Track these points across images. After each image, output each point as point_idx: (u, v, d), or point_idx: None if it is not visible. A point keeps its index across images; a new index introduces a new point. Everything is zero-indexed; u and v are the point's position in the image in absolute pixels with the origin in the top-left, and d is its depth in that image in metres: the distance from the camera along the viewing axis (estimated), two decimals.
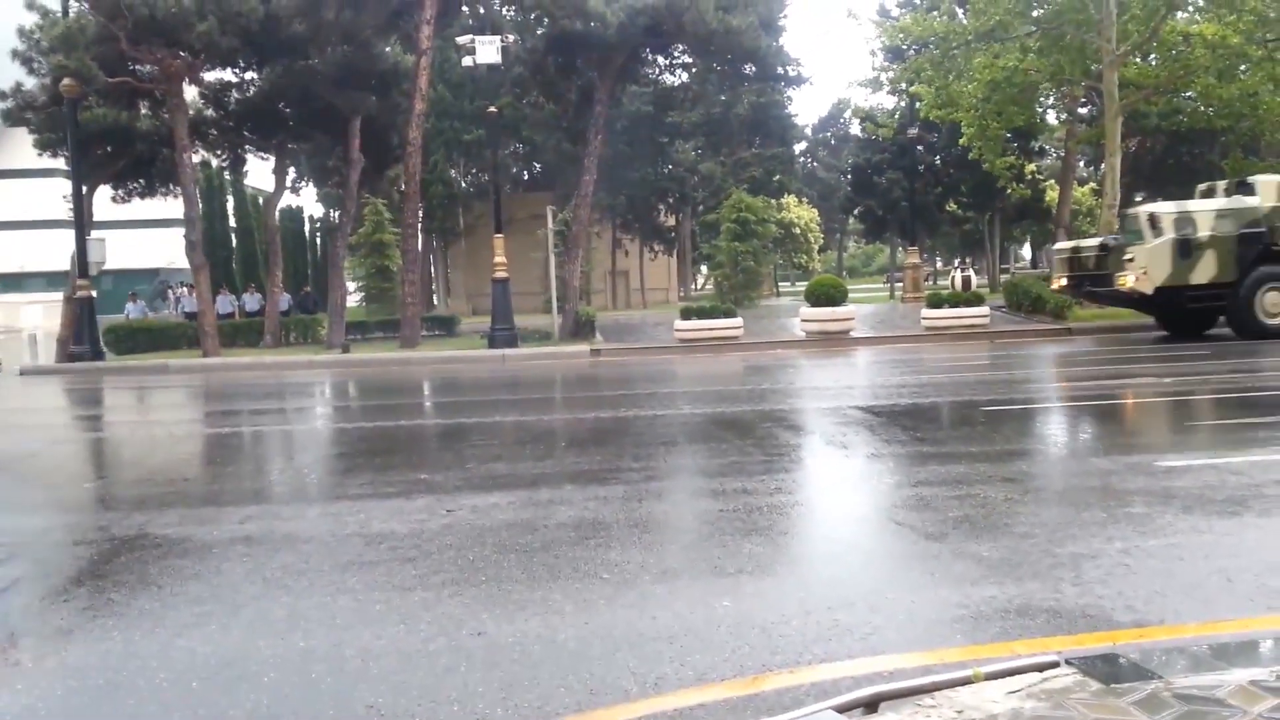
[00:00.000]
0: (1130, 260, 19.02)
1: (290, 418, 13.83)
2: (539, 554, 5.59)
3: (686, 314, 23.69)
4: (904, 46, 31.63)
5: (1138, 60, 28.12)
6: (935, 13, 28.62)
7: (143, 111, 27.87)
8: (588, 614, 4.58)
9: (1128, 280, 18.98)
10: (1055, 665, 3.66)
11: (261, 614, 4.76)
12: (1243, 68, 25.80)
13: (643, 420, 11.20)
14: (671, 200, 50.98)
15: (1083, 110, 38.45)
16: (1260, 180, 19.14)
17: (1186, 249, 18.65)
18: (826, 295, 23.94)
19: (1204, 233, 18.74)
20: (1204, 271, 18.71)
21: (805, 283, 38.03)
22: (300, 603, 4.91)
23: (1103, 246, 20.47)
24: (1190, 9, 26.64)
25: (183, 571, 5.55)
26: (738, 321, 23.40)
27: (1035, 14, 26.35)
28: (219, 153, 31.10)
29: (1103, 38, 24.80)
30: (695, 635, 4.26)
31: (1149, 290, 18.87)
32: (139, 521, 6.81)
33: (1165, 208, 19.69)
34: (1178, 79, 26.79)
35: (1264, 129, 27.11)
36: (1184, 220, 18.94)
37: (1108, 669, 3.60)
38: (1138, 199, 38.90)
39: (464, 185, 48.84)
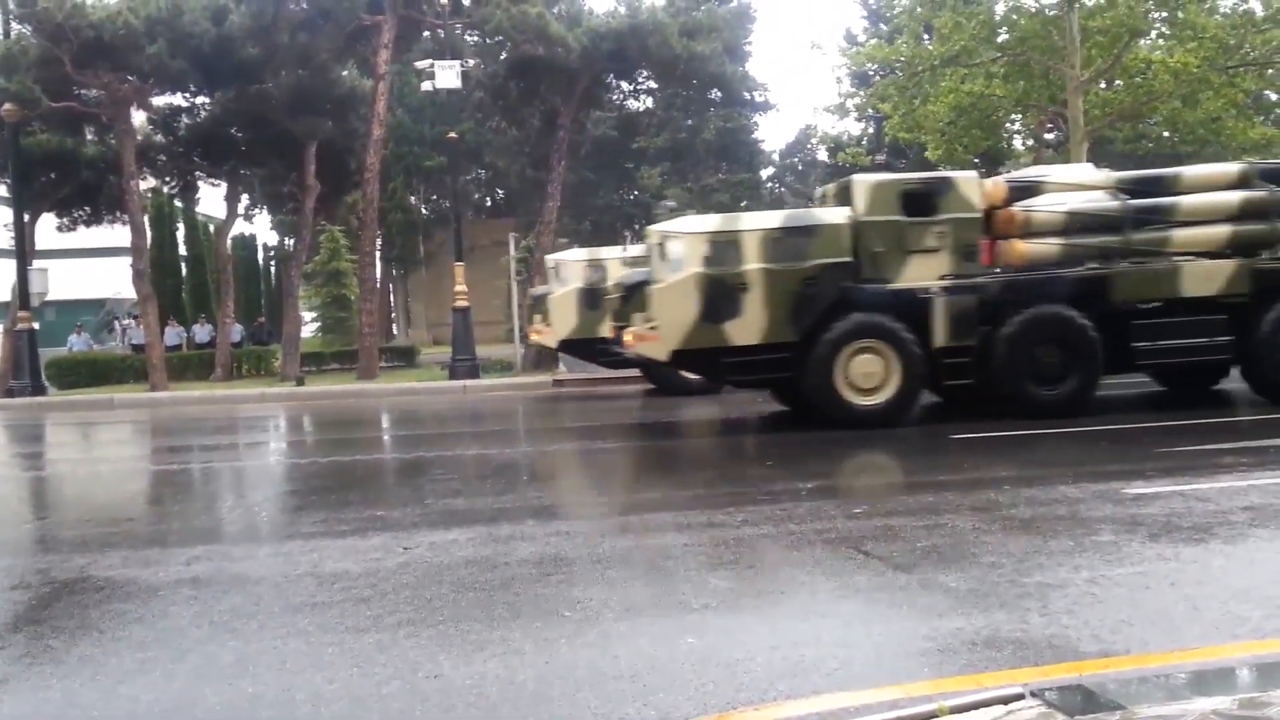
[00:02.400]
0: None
1: (241, 453, 13.58)
2: (499, 592, 5.48)
3: None
4: (870, 72, 32.02)
5: (1102, 86, 28.63)
6: (900, 36, 29.01)
7: (88, 137, 27.36)
8: (548, 653, 4.49)
9: (631, 339, 12.58)
10: (1021, 698, 3.66)
11: (209, 659, 4.61)
12: (1205, 94, 26.34)
13: (605, 452, 11.11)
14: (638, 226, 51.16)
15: (1049, 136, 39.08)
16: (857, 182, 12.44)
17: (719, 291, 11.56)
18: None
19: (748, 265, 11.63)
20: (748, 325, 11.61)
21: None
22: (249, 646, 4.76)
23: (625, 287, 14.23)
24: (1153, 35, 27.18)
25: (126, 615, 5.37)
26: None
27: (1000, 39, 26.75)
28: (168, 179, 30.59)
29: (1067, 64, 25.22)
30: (659, 673, 4.18)
31: (663, 355, 12.05)
32: (80, 564, 6.59)
33: (690, 225, 12.56)
34: (1142, 105, 27.29)
35: (1228, 154, 27.63)
36: (720, 246, 11.72)
37: (1073, 701, 3.62)
38: None
39: (424, 212, 48.64)
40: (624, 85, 33.18)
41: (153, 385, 23.54)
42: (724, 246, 11.66)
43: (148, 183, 29.06)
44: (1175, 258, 12.20)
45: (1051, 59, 25.86)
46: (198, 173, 29.78)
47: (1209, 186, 12.58)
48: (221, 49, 22.82)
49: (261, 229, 49.06)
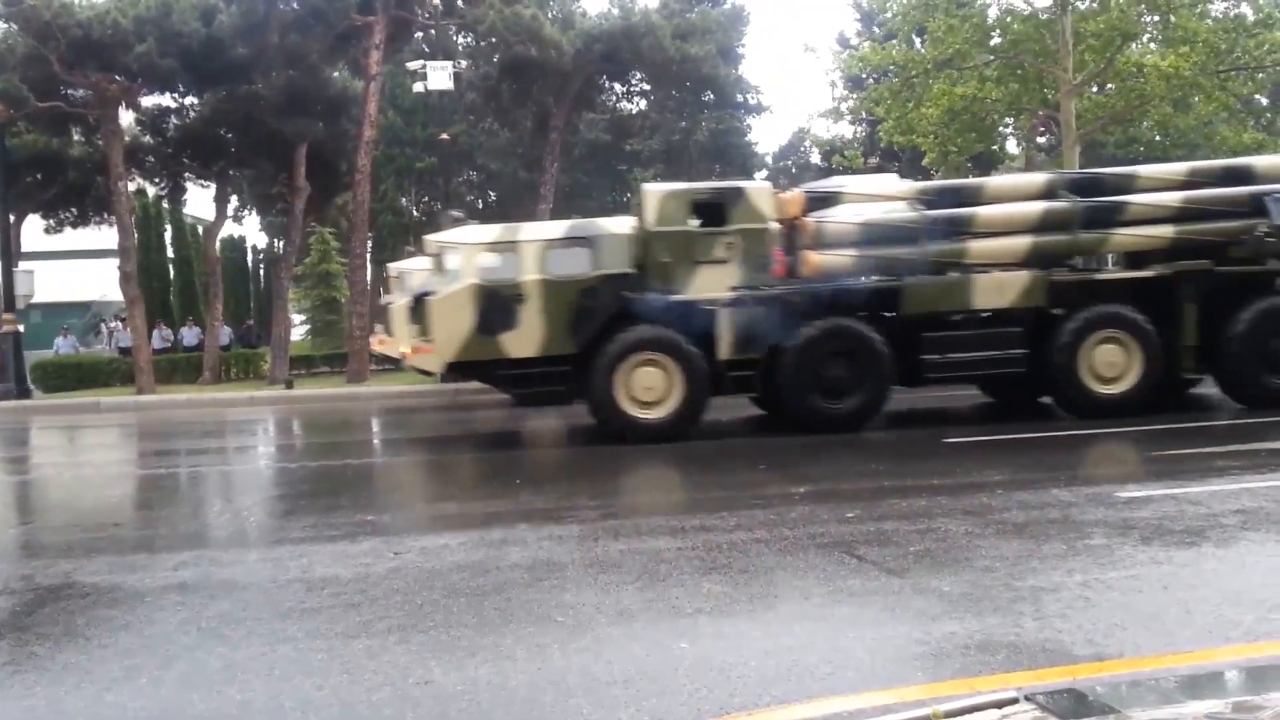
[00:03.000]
0: (403, 319, 12.38)
1: (229, 457, 13.50)
2: (491, 597, 5.44)
3: None
4: (863, 75, 32.05)
5: (1094, 90, 28.74)
6: (894, 40, 29.08)
7: (75, 137, 27.20)
8: (541, 659, 4.46)
9: (404, 350, 12.31)
10: (1015, 701, 3.67)
11: (196, 666, 4.57)
12: (1196, 98, 26.45)
13: (599, 455, 11.09)
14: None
15: (1041, 139, 39.21)
16: (647, 191, 12.39)
17: (495, 303, 11.50)
18: None
19: (526, 276, 11.56)
20: (524, 338, 11.54)
21: None
22: (237, 653, 4.72)
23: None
24: (1145, 39, 27.30)
25: (112, 622, 5.33)
26: None
27: (993, 43, 26.84)
28: (156, 180, 30.44)
29: (1059, 67, 25.33)
30: (652, 679, 4.16)
31: (437, 368, 12.29)
32: (65, 569, 6.53)
33: (467, 235, 12.38)
34: (1134, 109, 27.40)
35: (1218, 158, 27.77)
36: (497, 256, 11.78)
37: (1067, 704, 3.65)
38: None
39: (415, 214, 48.55)
40: (617, 87, 33.18)
41: (140, 388, 23.39)
42: (502, 257, 11.63)
43: (135, 184, 28.88)
44: (971, 270, 12.00)
45: (1044, 62, 25.96)
46: (186, 174, 29.62)
47: (1013, 197, 12.41)
48: (211, 49, 22.69)
49: (251, 231, 48.81)
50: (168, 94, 26.32)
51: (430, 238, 12.82)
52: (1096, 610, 4.80)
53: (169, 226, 36.71)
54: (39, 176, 27.29)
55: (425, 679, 4.28)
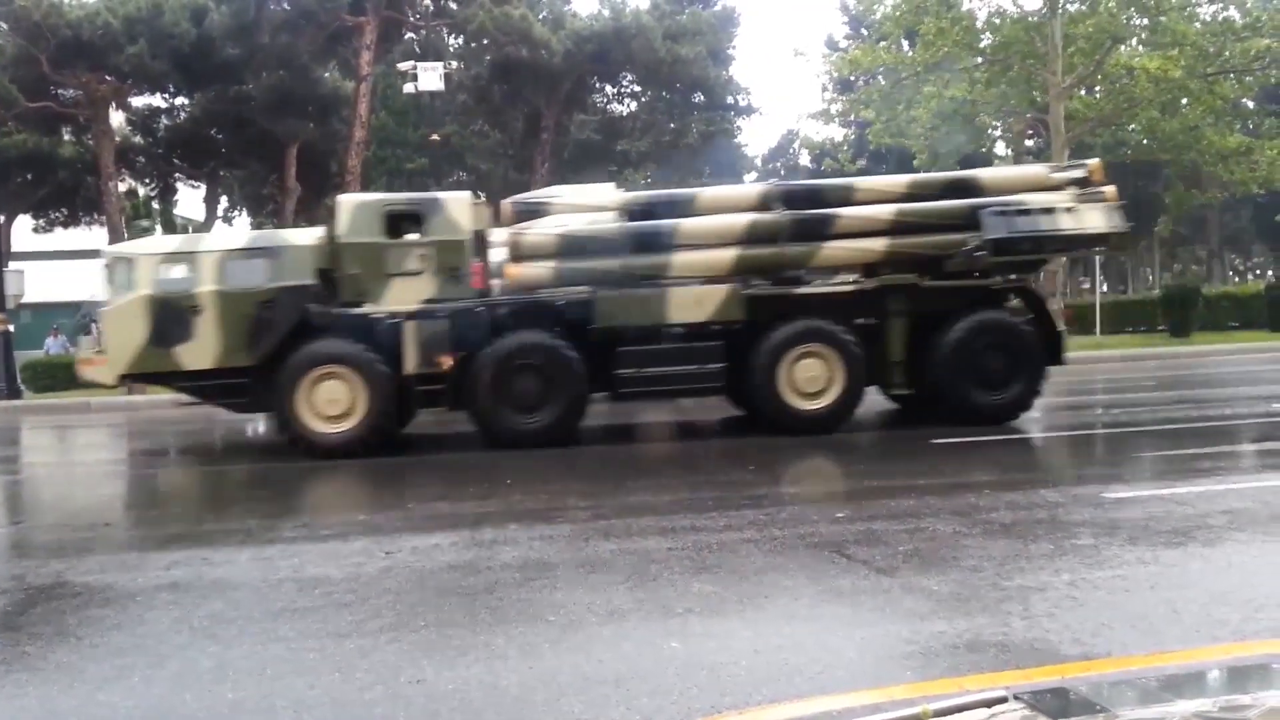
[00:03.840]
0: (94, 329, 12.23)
1: (221, 457, 13.46)
2: (482, 596, 5.45)
3: None
4: (853, 78, 32.16)
5: (1083, 93, 28.86)
6: (884, 43, 29.16)
7: (66, 137, 27.16)
8: (532, 658, 4.47)
9: (80, 358, 12.41)
10: (1003, 700, 3.69)
11: (188, 665, 4.57)
12: (1184, 101, 26.58)
13: (589, 455, 11.11)
14: None
15: (1030, 142, 39.34)
16: (341, 202, 12.19)
17: (169, 314, 11.27)
18: None
19: (202, 287, 11.33)
20: (200, 349, 11.32)
21: None
22: (229, 652, 4.71)
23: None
24: (1134, 42, 27.43)
25: (103, 621, 5.31)
26: None
27: (982, 45, 26.94)
28: (147, 180, 30.44)
29: (1048, 70, 25.43)
30: (642, 678, 4.17)
31: (110, 379, 12.05)
32: (57, 569, 6.52)
33: (143, 246, 12.56)
34: (1122, 111, 27.54)
35: (1205, 162, 27.93)
36: (174, 267, 11.50)
37: (1055, 703, 3.65)
38: None
39: None
40: (608, 88, 33.17)
41: (129, 389, 23.30)
42: (178, 268, 11.40)
43: (125, 184, 28.84)
44: (673, 282, 11.77)
45: (1033, 65, 26.06)
46: (177, 174, 29.60)
47: (726, 208, 12.19)
48: (201, 49, 22.69)
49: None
50: (158, 94, 26.33)
51: (106, 249, 12.58)
52: (1084, 610, 4.82)
53: (160, 227, 36.66)
54: (29, 176, 27.22)
55: (417, 678, 4.29)
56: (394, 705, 3.99)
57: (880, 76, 28.65)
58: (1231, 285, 46.38)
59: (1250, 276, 65.26)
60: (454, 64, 25.26)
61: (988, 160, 39.88)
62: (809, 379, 11.55)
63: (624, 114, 40.37)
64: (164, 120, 27.39)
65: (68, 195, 28.62)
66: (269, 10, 23.88)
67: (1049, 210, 11.72)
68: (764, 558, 6.11)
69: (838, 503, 7.94)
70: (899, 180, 13.02)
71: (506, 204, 12.42)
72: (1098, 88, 28.96)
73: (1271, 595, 4.92)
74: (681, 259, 11.77)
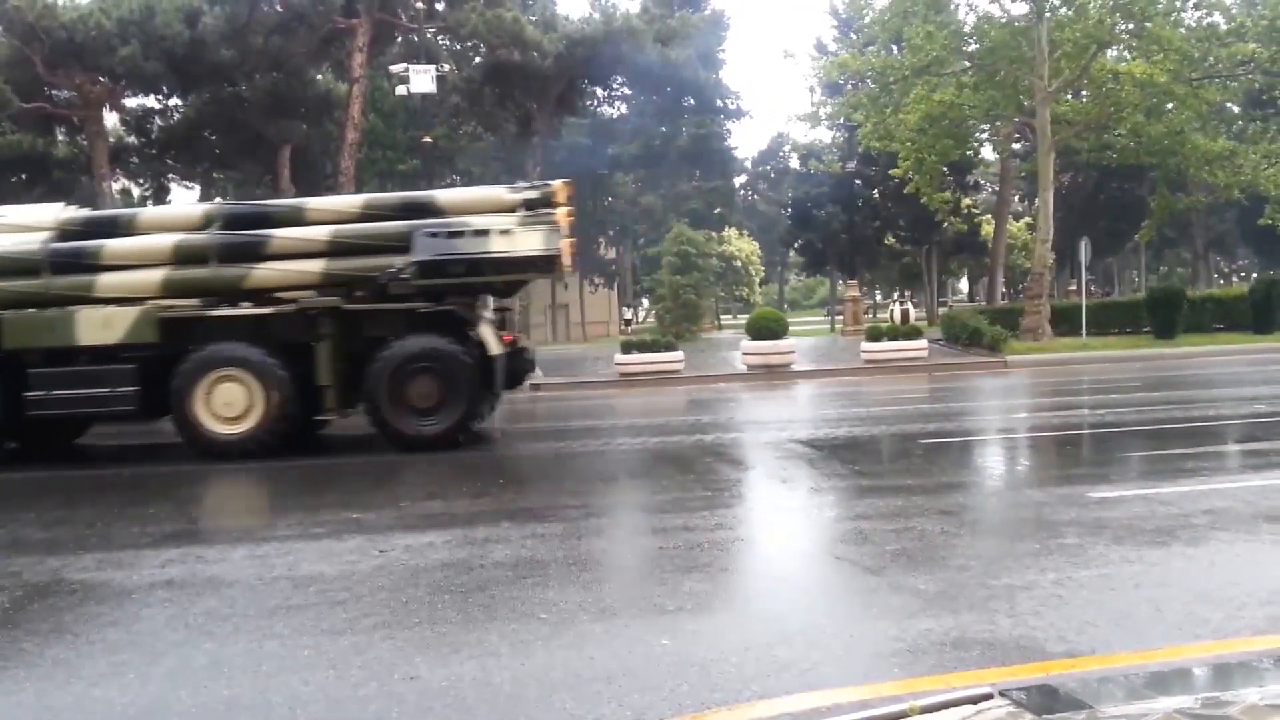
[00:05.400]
0: None
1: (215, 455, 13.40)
2: (475, 594, 5.49)
3: (627, 348, 23.65)
4: (842, 81, 32.27)
5: (1069, 97, 29.02)
6: (872, 47, 29.26)
7: (60, 138, 27.15)
8: (524, 655, 4.50)
9: None
10: (989, 697, 3.70)
11: (183, 662, 4.60)
12: (1169, 105, 26.73)
13: (582, 456, 11.12)
14: (612, 233, 51.20)
15: (1016, 146, 39.53)
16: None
17: None
18: (768, 329, 24.09)
19: None
20: None
21: (746, 316, 38.28)
22: (224, 649, 4.75)
23: None
24: (1120, 47, 27.58)
25: (100, 618, 5.34)
26: (679, 355, 23.42)
27: (970, 49, 27.06)
28: (141, 181, 30.49)
29: (1035, 74, 25.57)
30: (634, 675, 4.21)
31: None
32: (53, 566, 6.55)
33: None
34: (1108, 116, 27.67)
35: (1190, 165, 28.09)
36: None
37: (1040, 700, 3.67)
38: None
39: None
40: (598, 91, 33.18)
41: None
42: None
43: (119, 184, 28.84)
44: (99, 304, 11.55)
45: (1020, 69, 26.21)
46: (171, 175, 29.60)
47: (161, 228, 12.07)
48: (195, 51, 22.69)
49: None
50: (152, 95, 26.33)
51: None
52: (1069, 608, 4.87)
53: None
54: (24, 176, 27.23)
55: (411, 675, 4.32)
56: (388, 702, 4.03)
57: (869, 80, 28.73)
58: (1216, 288, 46.70)
59: (1235, 279, 65.69)
60: (446, 66, 25.23)
61: (975, 164, 40.13)
62: (227, 403, 11.42)
63: (614, 117, 40.44)
64: (158, 121, 27.39)
65: (62, 195, 28.45)
66: (262, 12, 23.90)
67: (483, 232, 11.60)
68: (756, 557, 6.13)
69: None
70: (353, 200, 12.99)
71: None
72: (1084, 92, 29.12)
73: (1253, 594, 4.97)
74: (107, 280, 11.65)
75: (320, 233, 11.92)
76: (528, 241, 11.57)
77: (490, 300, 12.67)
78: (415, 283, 11.57)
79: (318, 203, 13.09)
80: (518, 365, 12.95)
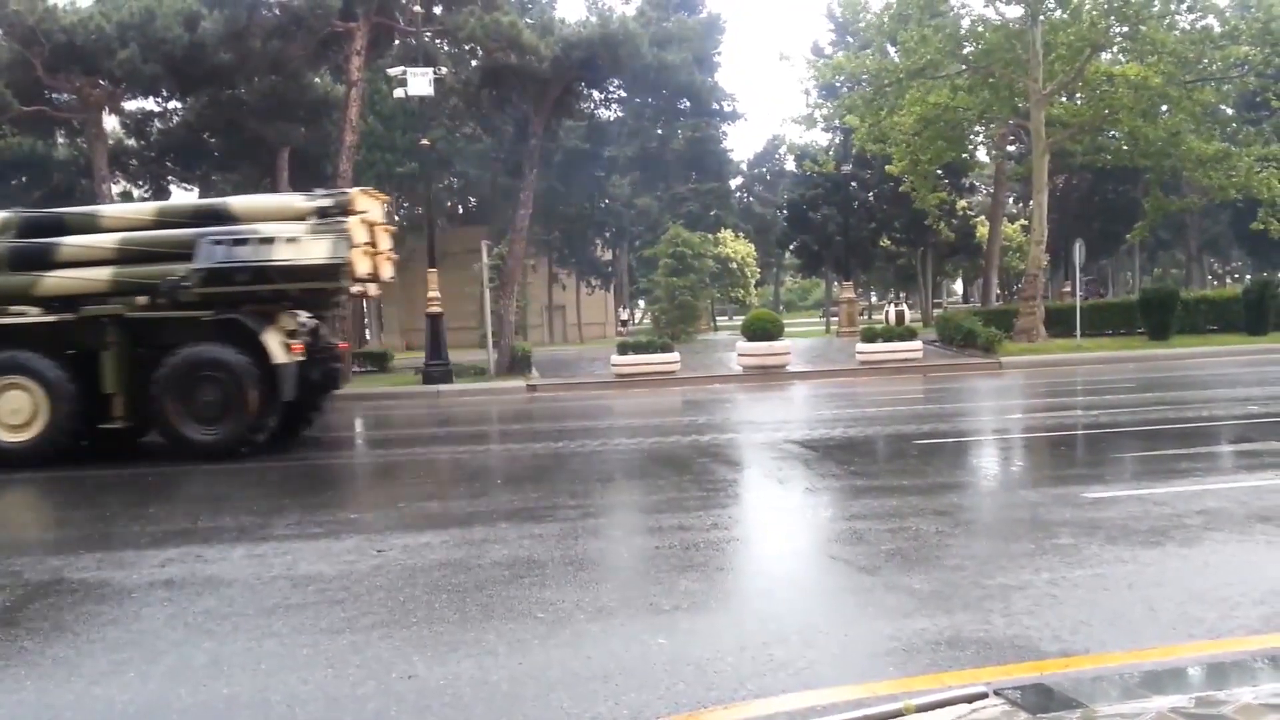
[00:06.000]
0: None
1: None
2: (472, 594, 5.51)
3: (623, 349, 23.68)
4: (837, 84, 32.34)
5: (1064, 99, 29.08)
6: (868, 50, 29.32)
7: (60, 141, 27.16)
8: (522, 654, 4.53)
9: None
10: (984, 696, 3.70)
11: (183, 660, 4.62)
12: (1163, 108, 26.80)
13: (579, 456, 11.14)
14: (608, 234, 51.22)
15: (1011, 148, 39.62)
16: None
17: None
18: (763, 330, 24.13)
19: None
20: None
21: (742, 317, 38.28)
22: (224, 648, 4.77)
23: None
24: (1114, 50, 27.65)
25: (100, 617, 5.36)
26: (675, 356, 23.45)
27: (965, 52, 27.12)
28: (140, 183, 30.51)
29: (1030, 77, 25.63)
30: (630, 674, 4.23)
31: None
32: (54, 565, 6.57)
33: None
34: (1102, 118, 27.74)
35: (1184, 167, 28.16)
36: None
37: (1035, 699, 3.66)
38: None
39: (396, 219, 48.52)
40: (595, 94, 33.18)
41: None
42: None
43: (119, 187, 28.89)
44: None
45: (1015, 72, 26.27)
46: (170, 177, 29.62)
47: None
48: (194, 54, 22.69)
49: None
50: (151, 98, 26.36)
51: None
52: (1063, 608, 4.89)
53: None
54: (24, 179, 27.26)
55: (409, 674, 4.34)
56: (386, 700, 4.05)
57: (864, 82, 28.80)
58: (1210, 289, 46.81)
59: (1228, 280, 65.87)
60: (444, 69, 25.24)
61: (970, 166, 40.21)
62: (13, 411, 11.50)
63: (611, 120, 40.44)
64: (157, 124, 27.42)
65: (62, 198, 28.61)
66: (261, 16, 23.90)
67: (268, 240, 11.59)
68: (751, 557, 6.16)
69: None
70: (147, 208, 13.00)
71: None
72: (1078, 95, 29.20)
73: (1247, 594, 5.00)
74: None
75: (109, 240, 11.98)
76: (313, 249, 11.55)
77: (300, 312, 12.61)
78: (199, 291, 11.59)
79: (113, 210, 13.22)
80: (321, 374, 12.75)
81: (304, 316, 12.73)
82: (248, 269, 11.50)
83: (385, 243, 13.11)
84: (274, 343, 11.66)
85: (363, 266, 12.06)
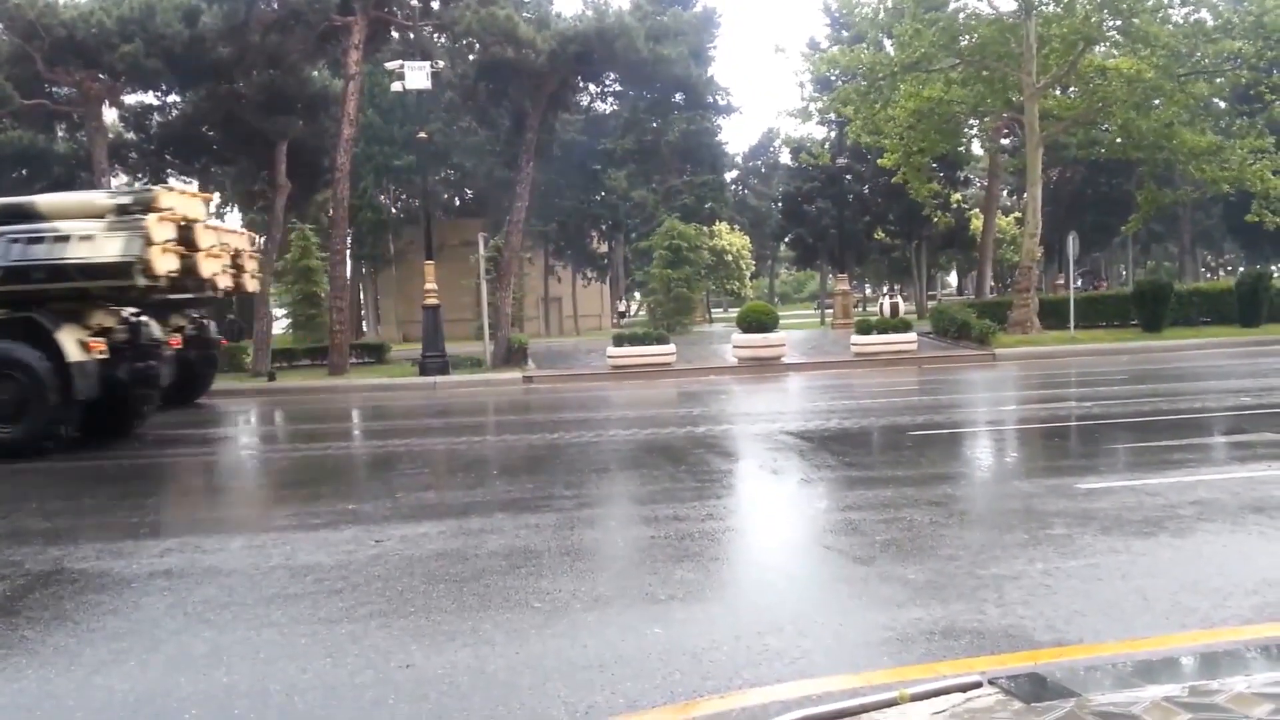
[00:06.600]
0: None
1: (212, 447, 13.48)
2: (469, 584, 5.54)
3: (619, 340, 23.70)
4: (832, 77, 32.29)
5: (1057, 93, 29.09)
6: (863, 44, 29.29)
7: (60, 134, 27.12)
8: (518, 643, 4.55)
9: None
10: (978, 685, 3.72)
11: (182, 649, 4.64)
12: (1156, 101, 26.81)
13: (575, 447, 11.17)
14: (604, 227, 51.20)
15: (1005, 141, 39.63)
16: None
17: None
18: (758, 322, 24.15)
19: None
20: None
21: (737, 309, 38.29)
22: (223, 637, 4.79)
23: None
24: (1107, 43, 27.65)
25: (100, 606, 5.39)
26: (671, 348, 23.48)
27: (959, 46, 27.12)
28: (140, 176, 30.45)
29: (1023, 70, 25.63)
30: (626, 663, 4.25)
31: None
32: (54, 555, 6.59)
33: None
34: (1096, 111, 27.76)
35: (1178, 160, 28.18)
36: None
37: (1029, 688, 3.68)
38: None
39: (394, 211, 48.46)
40: (592, 87, 33.11)
41: None
42: None
43: (119, 180, 28.85)
44: None
45: (1009, 65, 26.29)
46: (169, 170, 29.60)
47: None
48: (193, 48, 22.69)
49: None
50: (151, 92, 26.39)
51: None
52: (1057, 597, 4.91)
53: None
54: (24, 172, 27.27)
55: (407, 663, 4.37)
56: (384, 689, 4.07)
57: (859, 76, 28.78)
58: (1203, 281, 46.87)
59: (1221, 273, 65.99)
60: (441, 63, 25.18)
61: (964, 159, 40.21)
62: None
63: (607, 113, 40.31)
64: (156, 118, 27.41)
65: (62, 190, 28.69)
66: (260, 11, 23.87)
67: (64, 238, 11.58)
68: (746, 547, 6.18)
69: None
70: None
71: None
72: (1072, 88, 29.21)
73: (1239, 584, 5.03)
74: None
75: None
76: (107, 247, 11.55)
77: (126, 310, 12.53)
78: None
79: None
80: (130, 372, 12.58)
81: (128, 313, 12.67)
82: (43, 267, 11.54)
83: (206, 240, 12.98)
84: (69, 341, 11.69)
85: (165, 264, 11.91)
